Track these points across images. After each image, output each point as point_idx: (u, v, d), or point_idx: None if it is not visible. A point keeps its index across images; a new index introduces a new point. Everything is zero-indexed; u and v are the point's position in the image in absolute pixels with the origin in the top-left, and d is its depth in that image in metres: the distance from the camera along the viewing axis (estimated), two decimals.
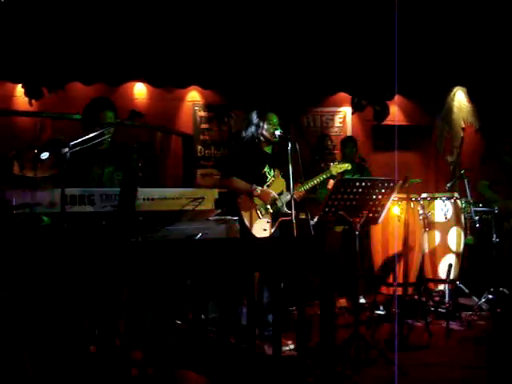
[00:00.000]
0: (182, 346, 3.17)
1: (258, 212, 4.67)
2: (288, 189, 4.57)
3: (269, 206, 4.69)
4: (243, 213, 4.61)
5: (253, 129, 4.77)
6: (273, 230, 4.72)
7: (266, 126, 4.73)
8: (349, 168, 5.37)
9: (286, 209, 4.70)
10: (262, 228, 4.66)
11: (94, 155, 4.08)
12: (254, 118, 4.79)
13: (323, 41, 7.27)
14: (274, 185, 4.81)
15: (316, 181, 4.96)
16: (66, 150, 3.47)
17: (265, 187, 4.74)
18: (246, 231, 4.55)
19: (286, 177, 4.68)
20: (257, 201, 4.68)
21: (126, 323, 2.87)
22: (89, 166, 4.07)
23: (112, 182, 4.08)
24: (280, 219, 4.74)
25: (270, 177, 4.79)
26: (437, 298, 5.85)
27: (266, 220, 4.69)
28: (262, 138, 4.77)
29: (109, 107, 4.15)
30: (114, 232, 3.54)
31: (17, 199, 3.38)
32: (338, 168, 5.21)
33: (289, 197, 4.54)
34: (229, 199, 4.64)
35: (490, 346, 4.59)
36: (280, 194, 4.77)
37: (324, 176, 5.08)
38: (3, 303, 3.04)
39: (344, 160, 6.25)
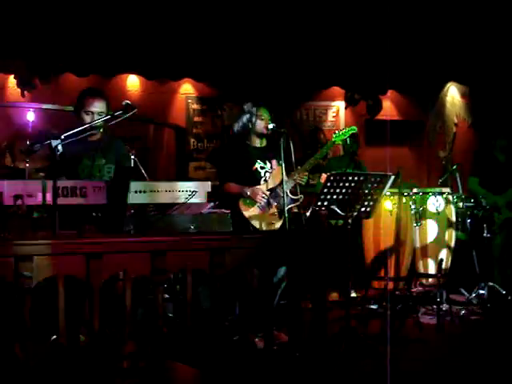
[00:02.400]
0: (173, 339, 3.17)
1: (260, 207, 4.59)
2: (288, 177, 4.53)
3: (271, 200, 4.62)
4: (245, 213, 4.55)
5: (243, 124, 4.72)
6: (281, 221, 4.62)
7: (257, 121, 4.68)
8: (355, 130, 5.12)
9: (291, 196, 4.64)
10: (268, 222, 4.59)
11: (85, 147, 4.06)
12: (245, 113, 4.73)
13: (317, 34, 7.26)
14: (273, 177, 4.72)
15: (318, 156, 4.81)
16: (58, 141, 3.46)
17: (262, 182, 4.68)
18: (252, 229, 4.49)
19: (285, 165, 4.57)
20: (249, 202, 4.59)
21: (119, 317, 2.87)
22: (80, 157, 4.05)
23: (102, 174, 4.07)
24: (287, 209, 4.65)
25: (264, 171, 4.72)
26: (428, 293, 5.88)
27: (272, 213, 4.63)
28: (253, 133, 4.72)
29: (100, 96, 4.13)
30: (106, 224, 3.54)
31: (8, 191, 3.37)
32: (341, 135, 4.96)
33: (290, 184, 4.52)
34: (221, 193, 4.62)
35: (481, 341, 4.63)
36: (280, 184, 4.67)
37: (326, 149, 4.92)
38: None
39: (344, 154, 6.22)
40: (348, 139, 6.24)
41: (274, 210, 4.62)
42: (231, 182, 4.62)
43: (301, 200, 4.58)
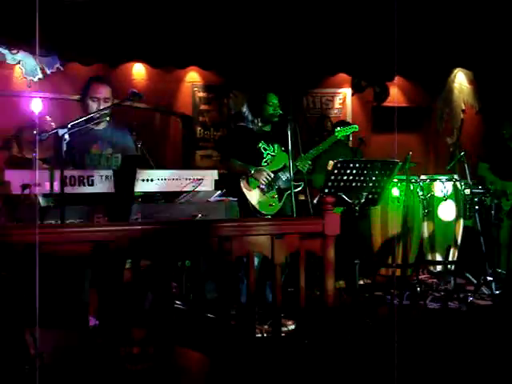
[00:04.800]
0: (182, 326, 3.19)
1: (262, 189, 4.65)
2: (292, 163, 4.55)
3: (272, 183, 4.67)
4: (246, 192, 4.63)
5: (251, 109, 4.77)
6: (280, 205, 4.71)
7: (265, 107, 4.73)
8: (356, 129, 5.23)
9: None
10: (268, 204, 4.66)
11: (92, 136, 4.07)
12: (254, 99, 4.79)
13: (323, 21, 7.21)
14: (275, 160, 4.79)
15: (321, 147, 4.88)
16: (65, 130, 3.46)
17: (263, 164, 4.72)
18: (251, 210, 4.58)
19: (287, 151, 4.63)
20: (250, 181, 4.65)
21: (128, 303, 2.89)
22: (87, 147, 4.06)
23: (110, 163, 4.08)
24: (286, 193, 4.70)
25: (267, 152, 4.78)
26: (436, 280, 5.88)
27: (271, 195, 4.69)
28: (261, 118, 4.77)
29: (105, 82, 4.14)
30: (113, 213, 3.54)
31: (16, 180, 3.38)
32: (343, 131, 5.05)
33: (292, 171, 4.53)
34: (228, 180, 4.64)
35: (489, 327, 4.62)
36: (282, 168, 4.75)
37: (329, 142, 4.96)
38: (4, 282, 3.05)
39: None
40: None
41: (274, 192, 4.67)
42: (235, 159, 4.67)
43: (300, 187, 4.62)
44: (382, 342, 4.05)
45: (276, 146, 4.82)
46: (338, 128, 5.10)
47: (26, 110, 6.90)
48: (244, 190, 4.64)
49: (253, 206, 4.62)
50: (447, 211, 5.52)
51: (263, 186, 4.66)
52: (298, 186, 4.69)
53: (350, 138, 6.43)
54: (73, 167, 3.77)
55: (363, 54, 7.56)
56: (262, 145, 4.77)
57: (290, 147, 4.41)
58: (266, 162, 4.77)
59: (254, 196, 4.66)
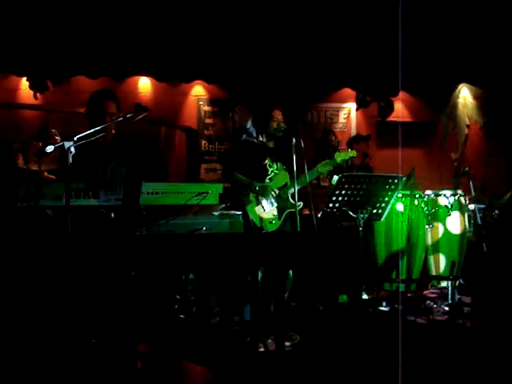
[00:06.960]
0: (186, 340, 3.18)
1: (263, 206, 4.64)
2: (292, 181, 4.55)
3: (273, 200, 4.66)
4: (248, 208, 4.60)
5: (256, 125, 4.75)
6: (280, 222, 4.68)
7: (269, 123, 4.71)
8: (354, 155, 5.15)
9: (291, 201, 4.66)
10: (268, 221, 4.63)
11: (97, 149, 4.08)
12: (258, 114, 4.77)
13: (328, 36, 7.26)
14: (278, 178, 4.75)
15: (319, 170, 4.82)
16: (71, 143, 3.47)
17: (267, 180, 4.70)
18: (252, 226, 4.55)
19: (289, 170, 4.64)
20: (252, 197, 4.63)
21: (132, 316, 2.88)
22: (92, 160, 4.07)
23: (115, 176, 4.08)
24: (287, 211, 4.70)
25: (271, 169, 4.75)
26: (440, 295, 5.86)
27: (272, 213, 4.66)
28: (265, 134, 4.75)
29: (111, 98, 4.17)
30: (118, 226, 3.55)
31: (21, 192, 3.39)
32: (342, 156, 4.99)
33: (293, 189, 4.52)
34: (233, 194, 4.64)
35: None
36: (284, 186, 4.72)
37: (327, 166, 4.88)
38: (8, 295, 3.05)
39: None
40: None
41: (274, 210, 4.65)
42: (239, 173, 4.66)
43: (299, 207, 4.59)
44: (387, 357, 4.03)
45: (279, 163, 4.78)
46: (337, 153, 5.06)
47: (32, 122, 6.95)
48: (246, 206, 4.60)
49: (253, 222, 4.58)
50: (454, 223, 5.50)
51: (266, 203, 4.62)
52: (297, 206, 4.64)
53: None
54: (78, 180, 3.78)
55: (368, 69, 7.60)
56: (268, 161, 4.73)
57: (294, 161, 4.40)
58: (269, 178, 4.73)
59: (255, 212, 4.62)
